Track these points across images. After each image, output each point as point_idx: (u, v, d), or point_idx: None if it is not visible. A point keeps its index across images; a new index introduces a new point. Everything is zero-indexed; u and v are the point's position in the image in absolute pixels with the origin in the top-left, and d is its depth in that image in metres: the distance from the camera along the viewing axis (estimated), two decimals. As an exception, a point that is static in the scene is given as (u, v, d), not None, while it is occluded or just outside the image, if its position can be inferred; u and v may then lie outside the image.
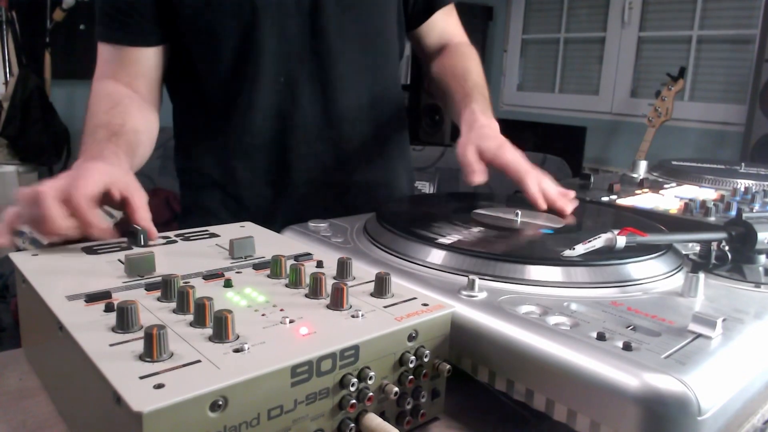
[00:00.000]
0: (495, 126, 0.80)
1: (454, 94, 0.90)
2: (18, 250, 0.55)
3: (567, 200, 0.73)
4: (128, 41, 0.81)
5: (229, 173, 0.89)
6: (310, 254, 0.56)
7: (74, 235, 0.56)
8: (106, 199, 0.60)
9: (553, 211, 0.72)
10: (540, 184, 0.73)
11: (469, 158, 0.73)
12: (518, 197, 0.75)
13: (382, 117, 0.95)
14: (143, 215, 0.60)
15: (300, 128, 0.87)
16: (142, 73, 0.83)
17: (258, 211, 0.89)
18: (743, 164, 1.15)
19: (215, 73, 0.84)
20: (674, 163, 1.15)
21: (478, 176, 0.71)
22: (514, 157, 0.73)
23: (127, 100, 0.79)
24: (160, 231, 0.62)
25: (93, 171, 0.59)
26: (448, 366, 0.44)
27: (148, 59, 0.83)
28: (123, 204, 0.61)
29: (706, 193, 0.92)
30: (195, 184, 0.94)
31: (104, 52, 0.83)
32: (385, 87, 0.94)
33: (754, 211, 0.79)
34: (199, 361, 0.34)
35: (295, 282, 0.47)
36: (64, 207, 0.54)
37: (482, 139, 0.76)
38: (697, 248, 0.62)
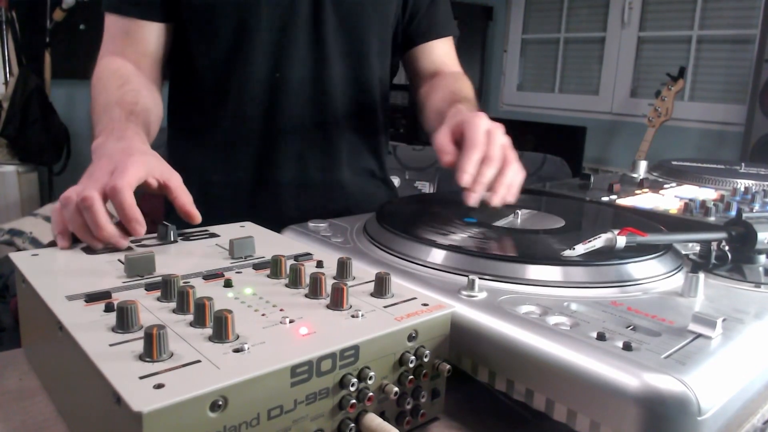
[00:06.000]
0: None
1: (440, 107, 0.85)
2: (18, 250, 0.55)
3: (504, 192, 0.67)
4: (137, 13, 0.82)
5: (216, 167, 0.90)
6: (310, 254, 0.56)
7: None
8: (143, 188, 0.60)
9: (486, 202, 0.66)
10: (479, 162, 0.65)
11: (439, 140, 0.69)
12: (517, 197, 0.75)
13: (367, 123, 0.96)
14: (185, 199, 0.61)
15: (288, 126, 0.88)
16: (148, 52, 0.83)
17: (241, 207, 0.90)
18: (743, 164, 1.15)
19: (209, 58, 0.85)
20: (674, 163, 1.15)
21: (449, 156, 0.67)
22: (474, 128, 0.67)
23: (136, 78, 0.79)
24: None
25: (130, 165, 0.58)
26: (448, 366, 0.44)
27: (155, 37, 0.84)
28: (162, 189, 0.61)
29: (706, 193, 0.92)
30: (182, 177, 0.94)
31: (112, 26, 0.83)
32: (372, 92, 0.95)
33: (754, 211, 0.79)
34: (199, 361, 0.34)
35: (295, 282, 0.47)
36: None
37: (456, 116, 0.73)
38: (697, 248, 0.62)
